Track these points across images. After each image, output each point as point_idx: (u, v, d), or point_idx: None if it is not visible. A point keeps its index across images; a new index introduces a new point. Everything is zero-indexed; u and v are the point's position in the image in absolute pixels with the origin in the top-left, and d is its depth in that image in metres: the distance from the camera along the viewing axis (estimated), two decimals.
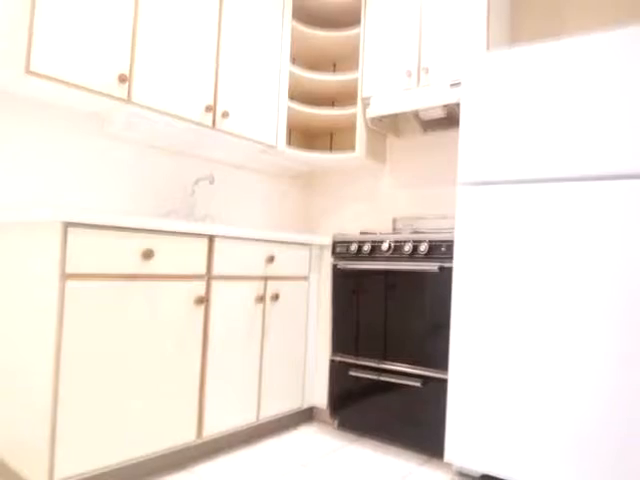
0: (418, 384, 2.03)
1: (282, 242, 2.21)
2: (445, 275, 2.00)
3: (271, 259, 2.14)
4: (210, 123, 2.29)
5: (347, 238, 2.33)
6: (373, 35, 2.65)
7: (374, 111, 2.58)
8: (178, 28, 2.15)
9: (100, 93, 1.89)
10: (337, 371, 2.30)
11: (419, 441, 2.03)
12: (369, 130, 2.76)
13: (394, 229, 2.83)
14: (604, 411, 1.56)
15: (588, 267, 1.62)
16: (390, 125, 2.76)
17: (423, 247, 2.06)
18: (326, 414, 2.43)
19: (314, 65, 3.22)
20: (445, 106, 2.37)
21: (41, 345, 1.51)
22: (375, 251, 2.22)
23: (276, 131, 2.65)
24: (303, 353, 2.35)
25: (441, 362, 1.98)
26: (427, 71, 2.40)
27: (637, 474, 1.50)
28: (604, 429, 1.56)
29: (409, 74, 2.47)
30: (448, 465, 1.98)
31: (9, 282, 1.69)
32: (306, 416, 2.46)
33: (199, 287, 1.85)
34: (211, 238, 1.91)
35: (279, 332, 2.20)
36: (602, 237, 1.60)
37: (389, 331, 2.14)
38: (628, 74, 1.59)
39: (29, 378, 1.55)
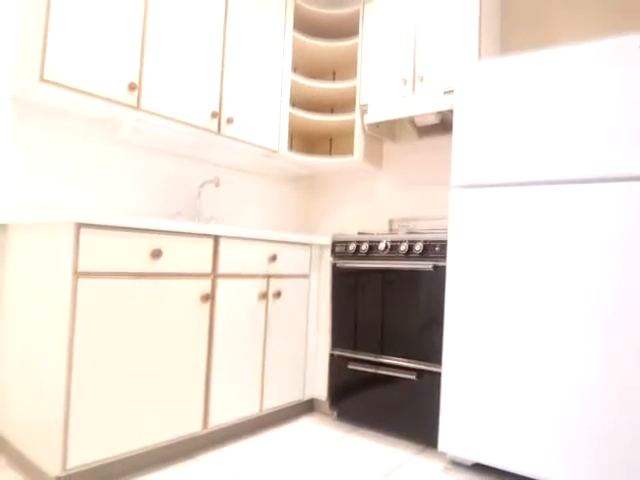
0: (413, 377, 2.10)
1: (284, 242, 2.29)
2: (439, 273, 2.07)
3: (273, 258, 2.22)
4: (215, 128, 2.36)
5: (346, 238, 2.40)
6: (371, 45, 2.74)
7: (372, 117, 2.67)
8: (185, 38, 2.22)
9: (110, 100, 1.94)
10: (336, 365, 2.37)
11: (414, 431, 2.10)
12: (367, 135, 2.84)
13: (390, 230, 2.91)
14: (590, 401, 1.62)
15: (574, 266, 1.68)
16: (387, 131, 2.85)
17: (418, 247, 2.14)
18: (326, 406, 2.50)
19: (314, 73, 3.30)
20: (439, 112, 2.45)
21: (55, 339, 1.56)
22: (372, 251, 2.30)
23: (278, 136, 2.73)
24: (304, 348, 2.42)
25: (435, 356, 2.06)
26: (422, 79, 2.49)
27: (623, 462, 1.56)
28: (591, 419, 1.62)
29: (405, 82, 2.56)
30: (442, 454, 2.05)
31: (26, 279, 1.75)
32: (307, 408, 2.52)
33: (205, 285, 1.92)
34: (216, 238, 1.97)
35: (281, 328, 2.27)
36: (587, 237, 1.67)
37: (386, 326, 2.22)
38: (614, 81, 1.65)
39: (43, 370, 1.60)
